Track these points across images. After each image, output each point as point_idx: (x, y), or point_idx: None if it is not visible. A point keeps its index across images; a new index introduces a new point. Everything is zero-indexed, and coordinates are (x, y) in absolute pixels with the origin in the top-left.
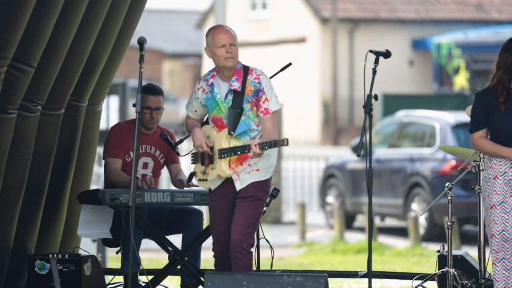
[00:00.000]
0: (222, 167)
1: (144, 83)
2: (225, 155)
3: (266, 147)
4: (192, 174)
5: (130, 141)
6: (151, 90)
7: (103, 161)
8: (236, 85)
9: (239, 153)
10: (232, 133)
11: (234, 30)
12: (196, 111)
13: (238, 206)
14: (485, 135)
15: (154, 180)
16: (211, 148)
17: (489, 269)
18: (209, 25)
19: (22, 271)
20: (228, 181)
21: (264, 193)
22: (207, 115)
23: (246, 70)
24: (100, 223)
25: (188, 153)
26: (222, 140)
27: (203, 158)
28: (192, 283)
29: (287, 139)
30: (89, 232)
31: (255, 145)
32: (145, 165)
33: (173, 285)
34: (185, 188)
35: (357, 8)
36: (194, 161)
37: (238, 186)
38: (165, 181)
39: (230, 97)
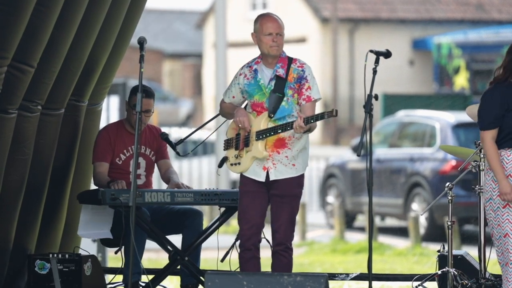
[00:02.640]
0: (259, 148)
1: (144, 83)
2: (263, 136)
3: (312, 121)
4: (224, 160)
5: (119, 143)
6: (144, 93)
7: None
8: (281, 72)
9: (279, 131)
10: (272, 115)
11: (235, 30)
12: (233, 97)
13: (277, 205)
14: (496, 135)
15: (147, 178)
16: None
17: (490, 269)
18: (209, 25)
19: (22, 271)
20: (259, 168)
21: (301, 189)
22: (244, 104)
23: (290, 59)
24: (101, 223)
25: (188, 153)
26: (261, 123)
27: (237, 142)
28: (192, 283)
29: (336, 110)
30: (89, 232)
31: (300, 118)
32: (137, 165)
33: (173, 285)
34: (185, 188)
35: (358, 8)
36: (227, 147)
37: (273, 175)
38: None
39: (273, 82)
